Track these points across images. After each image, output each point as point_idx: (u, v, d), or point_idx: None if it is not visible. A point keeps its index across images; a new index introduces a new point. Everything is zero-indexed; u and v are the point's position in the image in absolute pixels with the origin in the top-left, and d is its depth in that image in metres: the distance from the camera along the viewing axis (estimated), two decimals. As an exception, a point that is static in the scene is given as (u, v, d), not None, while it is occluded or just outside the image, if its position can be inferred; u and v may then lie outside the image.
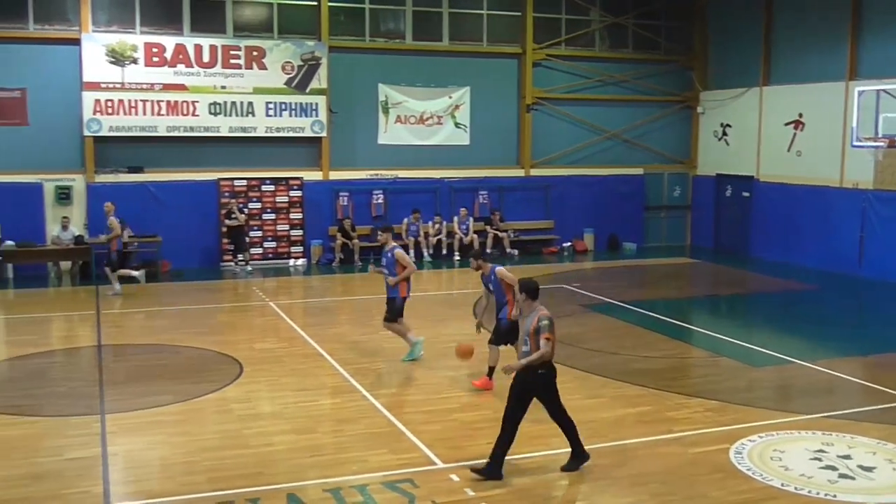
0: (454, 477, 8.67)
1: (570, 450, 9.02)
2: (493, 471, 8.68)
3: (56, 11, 22.11)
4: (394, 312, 13.21)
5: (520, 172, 26.31)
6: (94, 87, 22.03)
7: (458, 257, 24.28)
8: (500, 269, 12.03)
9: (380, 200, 24.58)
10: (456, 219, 24.78)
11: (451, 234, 24.67)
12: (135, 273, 19.85)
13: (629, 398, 11.57)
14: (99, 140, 22.30)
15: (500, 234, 25.09)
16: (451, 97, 25.50)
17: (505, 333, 11.84)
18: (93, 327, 16.06)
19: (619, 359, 13.68)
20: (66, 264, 22.03)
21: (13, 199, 21.59)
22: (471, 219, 24.95)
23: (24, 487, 8.53)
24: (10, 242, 21.16)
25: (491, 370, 11.91)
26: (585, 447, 9.01)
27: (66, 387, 12.25)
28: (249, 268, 22.57)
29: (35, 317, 17.38)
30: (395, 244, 13.24)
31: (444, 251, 24.45)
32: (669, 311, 17.48)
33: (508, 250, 25.00)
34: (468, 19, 25.66)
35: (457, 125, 25.65)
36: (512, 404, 8.74)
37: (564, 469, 8.91)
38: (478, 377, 12.11)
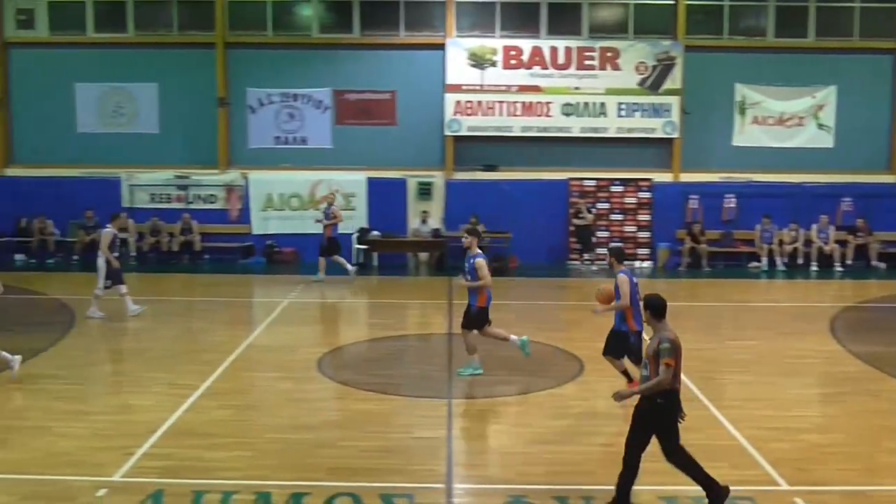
0: (798, 501, 8.10)
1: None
2: None
3: (424, 19, 23.61)
4: (469, 320, 12.33)
5: (891, 178, 24.12)
6: (456, 89, 23.24)
7: (815, 268, 22.77)
8: (622, 276, 10.98)
9: (732, 204, 23.67)
10: (815, 226, 23.23)
11: (808, 242, 23.18)
12: (348, 266, 20.36)
13: None
14: (458, 139, 23.51)
15: (865, 244, 23.16)
16: (814, 97, 23.97)
17: (628, 347, 11.08)
18: (444, 315, 16.92)
19: None
20: (423, 255, 23.46)
21: (381, 193, 23.41)
22: (832, 227, 23.26)
23: (376, 459, 9.16)
24: (375, 233, 22.93)
25: (626, 374, 11.16)
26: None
27: (418, 370, 13.00)
28: (595, 267, 22.67)
29: (394, 302, 18.69)
30: (479, 251, 12.36)
31: (801, 260, 23.02)
32: None
33: (874, 262, 23.02)
34: (837, 13, 23.95)
35: (819, 126, 24.06)
36: (630, 434, 7.95)
37: None
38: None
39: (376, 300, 19.41)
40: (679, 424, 7.88)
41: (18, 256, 23.33)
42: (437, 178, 23.71)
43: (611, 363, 11.42)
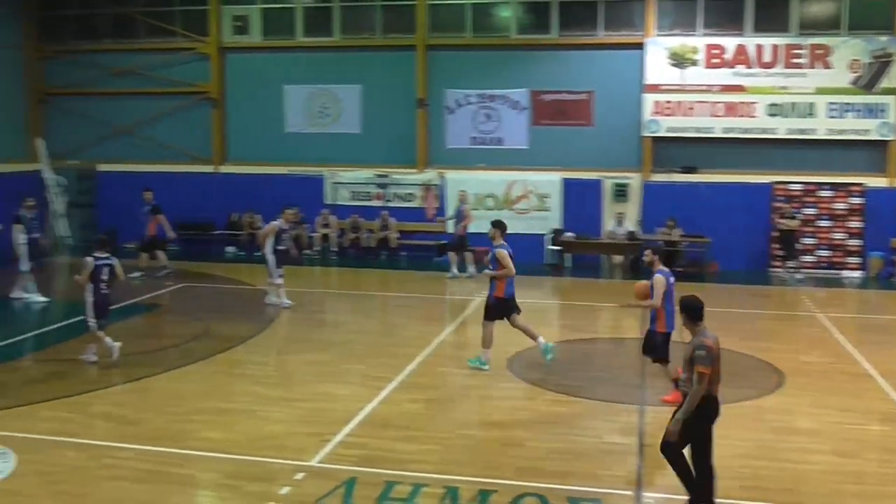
0: None
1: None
2: None
3: (623, 18, 23.24)
4: (487, 311, 12.84)
5: None
6: (654, 89, 22.75)
7: None
8: (658, 276, 11.02)
9: (955, 212, 21.96)
10: None
11: None
12: (455, 270, 20.91)
13: None
14: (656, 140, 23.01)
15: None
16: None
17: (654, 347, 11.21)
18: (637, 319, 16.59)
19: None
20: (617, 257, 23.10)
21: (576, 194, 23.25)
22: None
23: (564, 461, 9.09)
24: (569, 234, 22.78)
25: (675, 382, 10.57)
26: None
27: (609, 374, 12.82)
28: (799, 275, 21.62)
29: (586, 304, 18.50)
30: (502, 242, 12.80)
31: None
32: None
33: None
34: None
35: None
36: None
37: None
38: None
39: (569, 301, 19.29)
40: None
41: (229, 248, 24.70)
42: (634, 180, 23.28)
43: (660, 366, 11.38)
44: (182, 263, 21.42)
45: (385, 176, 24.57)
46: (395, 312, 17.83)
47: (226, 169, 25.63)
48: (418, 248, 24.20)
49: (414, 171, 24.48)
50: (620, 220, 22.86)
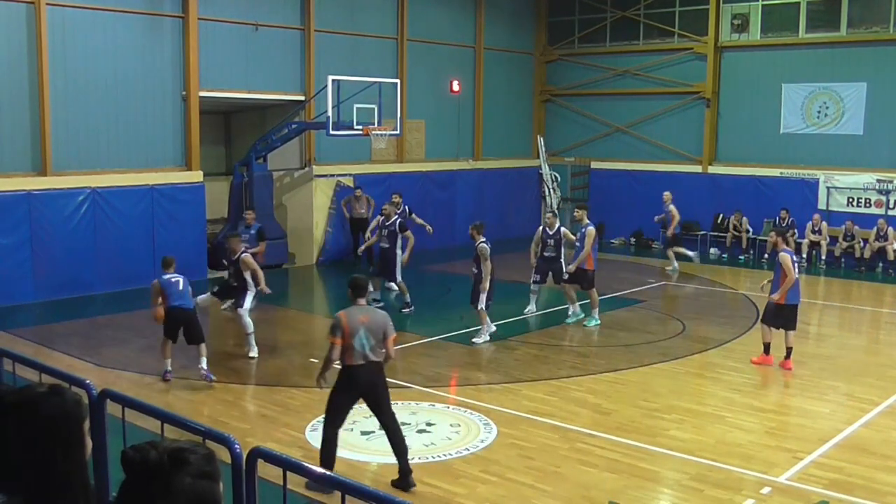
0: None
1: None
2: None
3: None
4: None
5: None
6: None
7: None
8: (784, 254, 12.38)
9: None
10: None
11: None
12: (689, 253, 21.40)
13: None
14: None
15: None
16: None
17: (769, 313, 12.72)
18: None
19: None
20: None
21: None
22: None
23: None
24: None
25: (765, 346, 12.79)
26: None
27: None
28: None
29: None
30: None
31: None
32: None
33: None
34: None
35: None
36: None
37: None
38: None
39: None
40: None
41: (713, 250, 24.47)
42: None
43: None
44: (665, 262, 21.69)
45: (888, 181, 22.62)
46: (889, 330, 16.44)
47: (713, 169, 25.39)
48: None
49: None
50: None
